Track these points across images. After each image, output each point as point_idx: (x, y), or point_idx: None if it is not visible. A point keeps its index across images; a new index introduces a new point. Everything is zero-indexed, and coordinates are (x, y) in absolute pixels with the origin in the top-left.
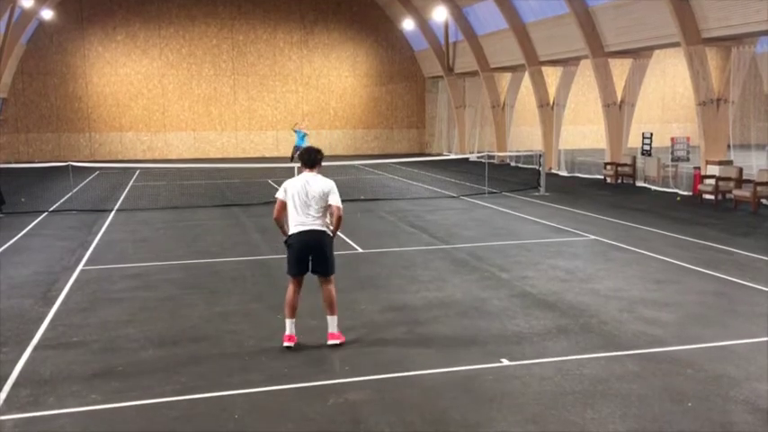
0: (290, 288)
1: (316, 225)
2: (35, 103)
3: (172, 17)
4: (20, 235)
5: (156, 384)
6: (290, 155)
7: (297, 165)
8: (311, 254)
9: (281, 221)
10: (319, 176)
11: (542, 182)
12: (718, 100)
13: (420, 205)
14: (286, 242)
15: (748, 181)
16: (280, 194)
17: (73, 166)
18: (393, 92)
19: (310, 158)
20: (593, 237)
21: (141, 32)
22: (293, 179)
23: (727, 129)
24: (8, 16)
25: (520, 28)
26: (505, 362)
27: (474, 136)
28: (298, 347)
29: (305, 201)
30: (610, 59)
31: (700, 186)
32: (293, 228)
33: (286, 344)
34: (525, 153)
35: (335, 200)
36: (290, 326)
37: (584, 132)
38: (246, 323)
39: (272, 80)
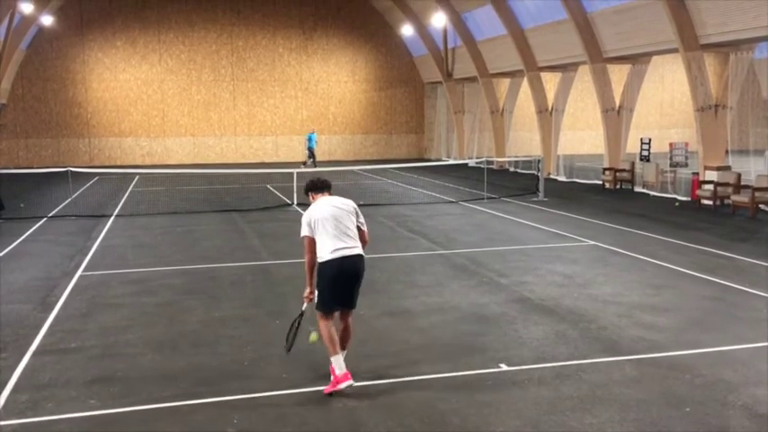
0: (324, 324)
1: (356, 249)
2: (34, 108)
3: (171, 23)
4: (19, 240)
5: (155, 390)
6: (303, 160)
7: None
8: (350, 283)
9: (312, 263)
10: (339, 197)
11: (541, 187)
12: (717, 106)
13: (419, 210)
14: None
15: (746, 186)
16: (305, 231)
17: (72, 172)
18: (392, 97)
19: (326, 182)
20: (591, 242)
21: (141, 38)
22: (312, 209)
23: (726, 134)
24: (8, 22)
25: (518, 34)
26: (504, 367)
27: (473, 141)
28: (296, 353)
29: (340, 221)
30: (608, 65)
31: (698, 192)
32: (328, 254)
33: (344, 384)
34: (524, 158)
35: (365, 223)
36: (338, 362)
37: (582, 138)
38: (245, 328)
39: (271, 86)
